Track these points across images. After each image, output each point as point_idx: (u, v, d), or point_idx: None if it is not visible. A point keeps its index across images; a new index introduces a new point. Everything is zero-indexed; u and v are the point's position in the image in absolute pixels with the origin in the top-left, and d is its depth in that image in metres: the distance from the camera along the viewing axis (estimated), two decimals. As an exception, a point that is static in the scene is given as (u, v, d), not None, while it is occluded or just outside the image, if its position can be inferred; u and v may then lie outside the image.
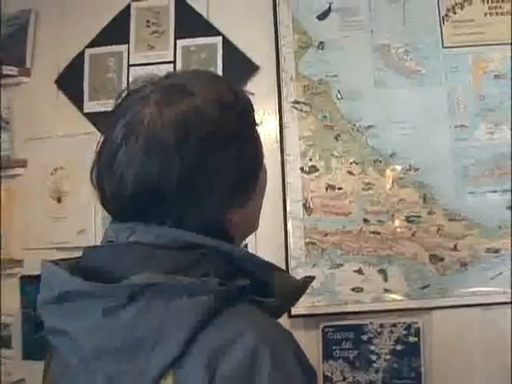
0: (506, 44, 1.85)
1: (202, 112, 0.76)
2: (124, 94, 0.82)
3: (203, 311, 0.69)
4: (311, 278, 0.90)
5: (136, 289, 0.69)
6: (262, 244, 1.83)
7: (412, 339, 1.78)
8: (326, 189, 1.86)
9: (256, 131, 0.86)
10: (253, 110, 0.86)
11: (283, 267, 1.78)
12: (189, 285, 0.70)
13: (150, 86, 0.80)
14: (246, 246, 1.80)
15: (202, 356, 0.67)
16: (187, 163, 0.74)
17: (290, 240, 1.85)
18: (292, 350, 0.72)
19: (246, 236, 0.91)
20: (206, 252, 0.75)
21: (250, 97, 0.86)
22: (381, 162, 1.85)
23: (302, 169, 1.87)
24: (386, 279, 1.81)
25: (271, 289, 0.80)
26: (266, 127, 1.92)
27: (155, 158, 0.74)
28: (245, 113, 0.84)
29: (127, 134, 0.76)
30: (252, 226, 0.91)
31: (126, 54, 2.07)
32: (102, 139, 0.81)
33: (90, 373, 0.71)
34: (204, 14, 2.03)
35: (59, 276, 0.74)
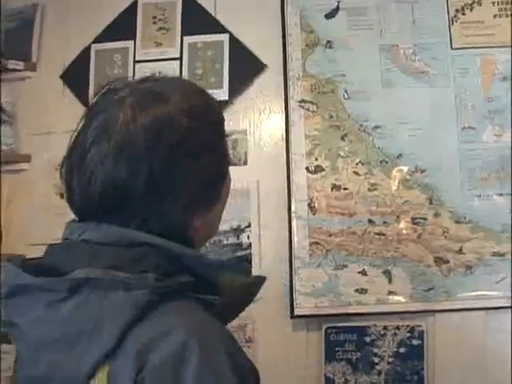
0: (514, 46, 1.84)
1: (174, 120, 0.78)
2: (101, 92, 0.83)
3: (137, 305, 0.71)
4: (261, 278, 0.93)
5: (75, 283, 0.72)
6: (266, 243, 1.81)
7: (415, 342, 1.77)
8: (332, 189, 1.85)
9: (226, 143, 0.89)
10: (223, 121, 0.88)
11: (287, 267, 1.77)
12: (125, 279, 0.72)
13: (127, 89, 0.81)
14: (250, 244, 1.80)
15: (134, 349, 0.69)
16: (156, 169, 0.76)
17: (295, 239, 1.83)
18: (223, 346, 0.72)
19: (207, 240, 0.94)
20: (149, 250, 0.76)
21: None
22: (387, 162, 1.84)
23: (307, 168, 1.86)
24: (390, 281, 1.79)
25: (218, 288, 0.82)
26: (272, 126, 1.89)
27: (125, 161, 0.76)
28: (216, 124, 0.86)
29: (100, 135, 0.77)
30: (213, 231, 0.95)
31: (132, 50, 2.06)
32: (75, 134, 0.82)
33: (34, 363, 0.74)
34: (211, 11, 2.02)
35: (11, 272, 0.77)
